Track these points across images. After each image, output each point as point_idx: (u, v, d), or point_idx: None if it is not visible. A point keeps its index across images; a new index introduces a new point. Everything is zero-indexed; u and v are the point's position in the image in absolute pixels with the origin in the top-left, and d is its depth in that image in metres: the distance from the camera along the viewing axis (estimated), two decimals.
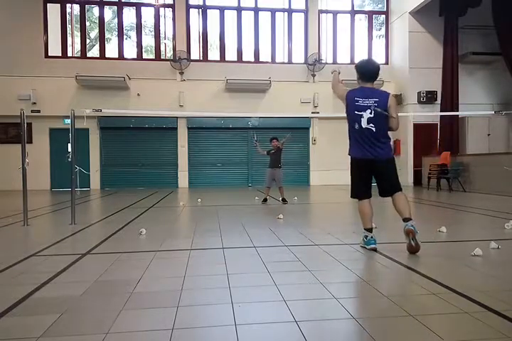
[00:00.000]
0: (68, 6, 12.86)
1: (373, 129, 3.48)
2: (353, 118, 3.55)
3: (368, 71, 3.63)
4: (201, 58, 13.31)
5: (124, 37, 13.41)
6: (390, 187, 3.60)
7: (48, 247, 3.84)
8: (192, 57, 13.09)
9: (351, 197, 3.75)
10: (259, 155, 11.94)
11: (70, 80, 12.15)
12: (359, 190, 3.67)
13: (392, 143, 4.18)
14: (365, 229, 3.65)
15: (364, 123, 3.49)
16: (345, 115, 3.76)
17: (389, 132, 3.64)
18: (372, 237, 3.59)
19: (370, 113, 3.47)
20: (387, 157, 3.57)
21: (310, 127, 13.57)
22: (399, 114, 3.74)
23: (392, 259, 3.24)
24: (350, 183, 3.76)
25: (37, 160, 11.59)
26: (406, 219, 3.40)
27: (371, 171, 3.61)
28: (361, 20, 14.17)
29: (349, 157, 3.80)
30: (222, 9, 13.41)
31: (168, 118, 12.94)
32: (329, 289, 2.50)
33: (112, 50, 13.30)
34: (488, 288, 2.50)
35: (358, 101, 3.51)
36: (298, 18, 13.77)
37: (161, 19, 13.31)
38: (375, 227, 4.63)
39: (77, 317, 2.11)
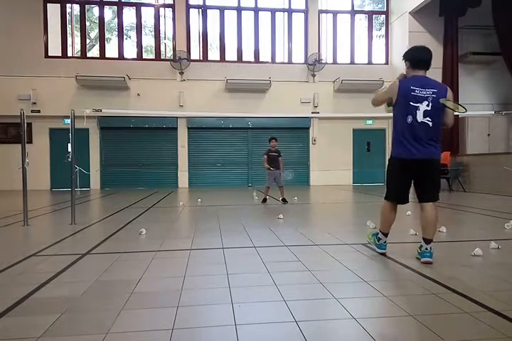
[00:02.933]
0: (68, 6, 12.86)
1: (430, 124, 3.06)
2: (406, 111, 3.10)
3: (423, 58, 3.20)
4: (201, 58, 13.31)
5: (124, 37, 13.41)
6: (426, 192, 3.18)
7: (48, 247, 3.84)
8: (192, 57, 13.08)
9: (386, 198, 3.35)
10: (259, 155, 11.91)
11: (70, 80, 12.15)
12: (398, 193, 3.27)
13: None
14: (381, 232, 3.40)
15: (420, 117, 3.06)
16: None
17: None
18: (385, 242, 3.39)
19: (427, 105, 3.05)
20: (436, 157, 3.16)
21: (310, 127, 13.55)
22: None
23: (392, 259, 3.24)
24: (387, 183, 3.41)
25: (37, 160, 11.59)
26: (426, 240, 3.10)
27: (413, 173, 3.18)
28: (361, 20, 14.16)
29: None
30: (222, 9, 13.41)
31: (168, 118, 12.94)
32: (329, 289, 2.50)
33: (111, 50, 13.30)
34: (488, 288, 2.50)
35: (414, 90, 3.07)
36: (298, 18, 13.76)
37: (161, 19, 13.31)
38: (374, 227, 4.65)
39: (77, 317, 2.11)
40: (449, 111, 3.12)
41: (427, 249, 3.10)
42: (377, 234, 3.44)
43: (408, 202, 3.32)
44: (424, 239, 3.12)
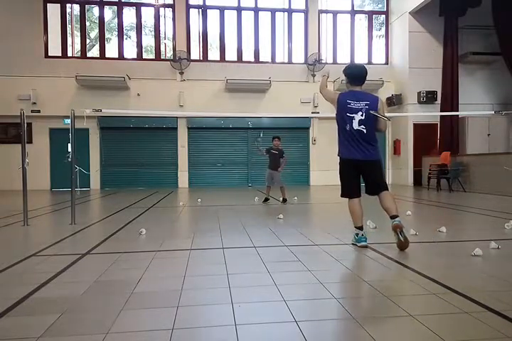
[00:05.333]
0: (68, 6, 12.86)
1: (364, 131, 3.62)
2: (344, 120, 3.67)
3: (356, 75, 3.76)
4: (201, 58, 13.31)
5: (124, 37, 13.41)
6: (377, 186, 3.72)
7: (48, 247, 3.84)
8: (192, 57, 13.08)
9: (341, 196, 3.87)
10: (258, 155, 11.88)
11: (70, 80, 12.15)
12: (349, 189, 3.78)
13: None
14: (355, 227, 3.76)
15: (355, 125, 3.62)
16: None
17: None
18: (362, 235, 3.70)
19: (362, 115, 3.61)
20: (375, 158, 3.72)
21: (310, 127, 13.57)
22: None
23: (392, 259, 3.24)
24: (340, 183, 3.86)
25: (37, 160, 11.60)
26: (393, 217, 3.54)
27: (359, 171, 3.74)
28: (361, 20, 14.16)
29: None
30: (222, 9, 13.41)
31: (168, 118, 12.94)
32: (329, 289, 2.50)
33: (111, 50, 13.30)
34: (488, 288, 2.50)
35: (349, 103, 3.64)
36: (298, 18, 13.76)
37: (161, 19, 13.31)
38: (374, 227, 4.66)
39: (77, 317, 2.11)
40: (380, 119, 3.67)
41: (396, 220, 3.51)
42: (357, 234, 3.74)
43: (360, 195, 3.75)
44: (392, 216, 3.55)
